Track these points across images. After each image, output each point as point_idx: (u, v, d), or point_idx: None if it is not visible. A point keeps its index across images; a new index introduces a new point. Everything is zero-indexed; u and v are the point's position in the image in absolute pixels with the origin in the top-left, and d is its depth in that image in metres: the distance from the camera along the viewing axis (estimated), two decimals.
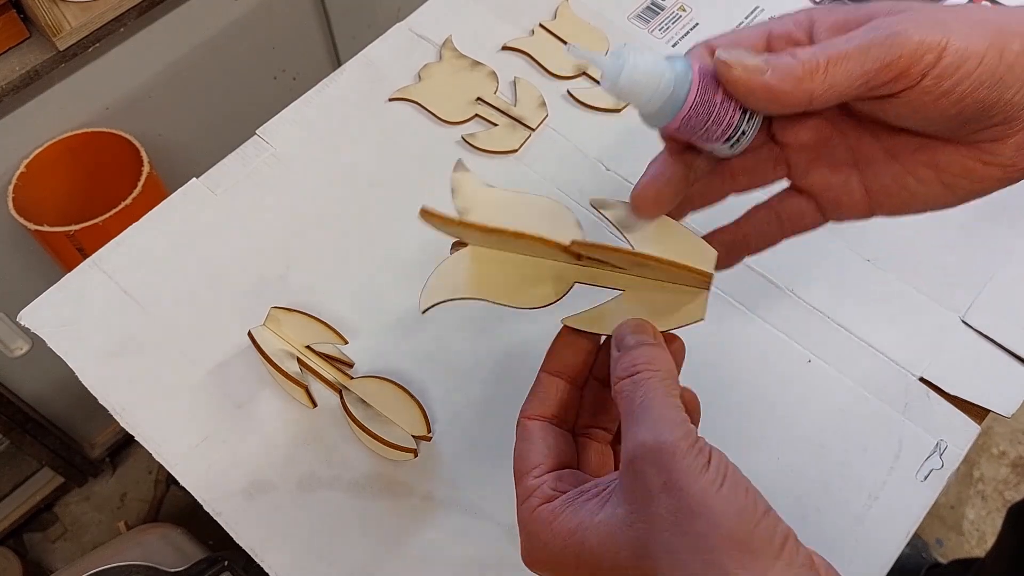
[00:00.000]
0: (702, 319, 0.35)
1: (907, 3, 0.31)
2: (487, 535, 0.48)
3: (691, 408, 0.35)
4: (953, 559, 1.19)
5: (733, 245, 0.38)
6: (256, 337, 0.50)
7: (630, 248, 0.35)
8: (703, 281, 0.34)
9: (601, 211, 0.36)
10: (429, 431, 0.49)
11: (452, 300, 0.35)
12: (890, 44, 0.29)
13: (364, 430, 0.48)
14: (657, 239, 0.35)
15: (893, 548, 0.48)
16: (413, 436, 0.48)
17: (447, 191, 0.61)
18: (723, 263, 0.36)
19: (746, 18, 0.69)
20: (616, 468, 0.36)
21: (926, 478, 0.50)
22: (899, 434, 0.51)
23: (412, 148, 0.61)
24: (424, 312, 0.34)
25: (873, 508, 0.49)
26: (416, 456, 0.48)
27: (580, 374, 0.36)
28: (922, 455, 0.50)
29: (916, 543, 1.23)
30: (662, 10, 0.69)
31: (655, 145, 0.58)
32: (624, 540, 0.28)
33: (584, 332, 0.35)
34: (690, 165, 0.34)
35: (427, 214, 0.35)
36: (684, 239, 0.35)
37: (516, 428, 0.35)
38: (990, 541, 1.23)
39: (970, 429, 0.51)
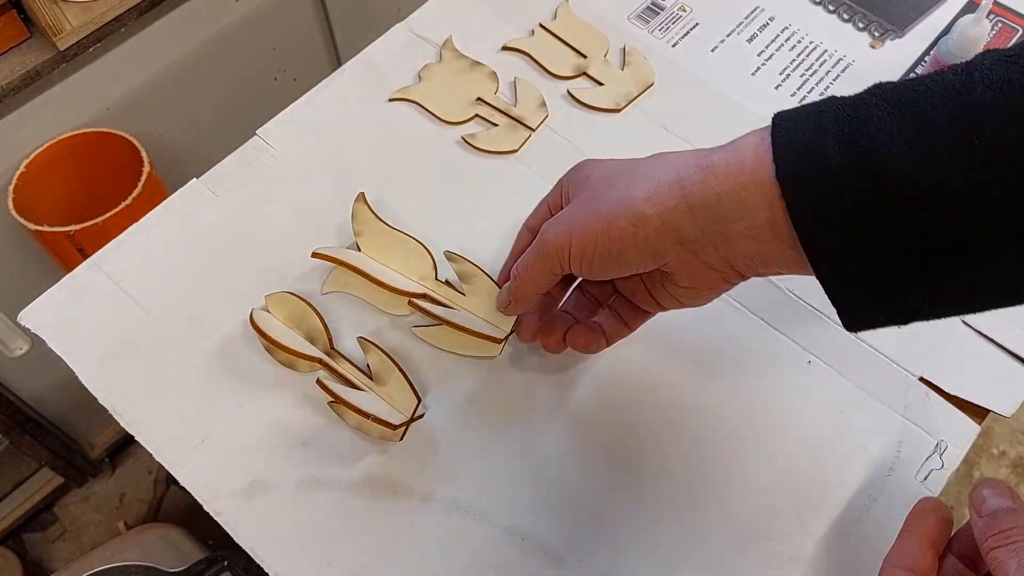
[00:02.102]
0: (495, 357, 0.53)
1: (588, 172, 0.45)
2: (487, 535, 0.48)
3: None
4: None
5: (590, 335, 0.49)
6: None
7: (447, 318, 0.51)
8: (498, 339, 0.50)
9: (450, 263, 0.53)
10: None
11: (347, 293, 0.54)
12: (540, 249, 0.43)
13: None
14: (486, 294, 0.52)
15: None
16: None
17: (446, 191, 0.61)
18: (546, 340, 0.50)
19: (746, 18, 0.69)
20: None
21: (926, 478, 0.50)
22: (899, 434, 0.51)
23: (412, 148, 0.61)
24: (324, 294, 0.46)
25: (873, 508, 0.49)
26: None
27: (944, 543, 0.39)
28: (922, 455, 0.50)
29: None
30: (662, 10, 0.69)
31: (655, 145, 0.59)
32: None
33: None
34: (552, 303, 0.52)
35: (317, 255, 0.54)
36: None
37: None
38: None
39: (970, 429, 0.51)
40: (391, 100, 0.63)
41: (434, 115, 0.62)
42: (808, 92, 0.65)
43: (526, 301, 0.47)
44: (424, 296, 0.52)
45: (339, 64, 0.69)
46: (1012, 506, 0.35)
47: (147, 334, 0.53)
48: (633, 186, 0.39)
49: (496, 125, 0.62)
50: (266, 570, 0.47)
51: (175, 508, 1.29)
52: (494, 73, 0.64)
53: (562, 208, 0.45)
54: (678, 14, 0.69)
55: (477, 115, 0.62)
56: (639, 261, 0.39)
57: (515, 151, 0.61)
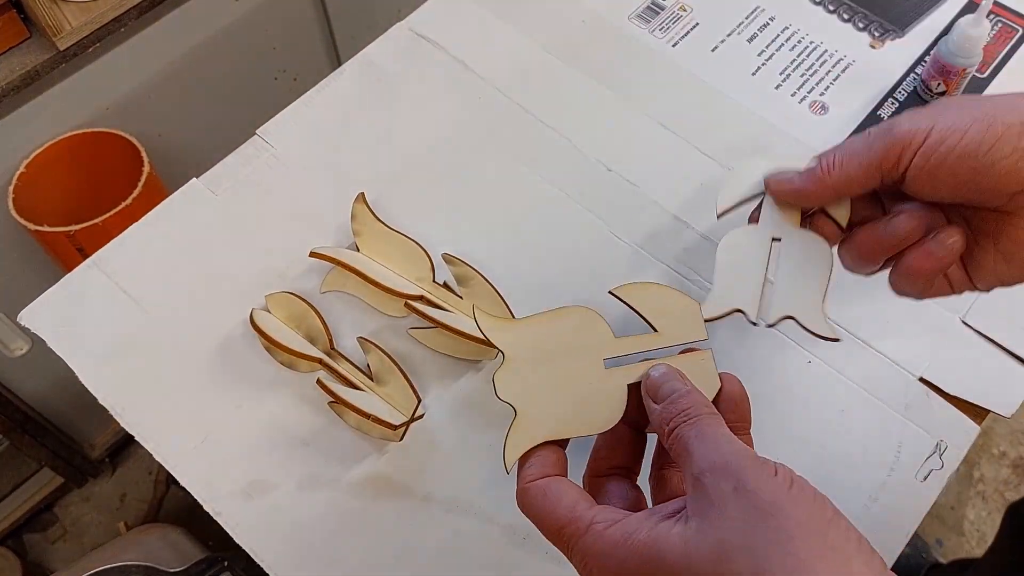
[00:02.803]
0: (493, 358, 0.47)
1: (928, 106, 0.37)
2: (487, 535, 0.48)
3: (742, 415, 0.37)
4: (953, 559, 1.19)
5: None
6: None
7: (443, 321, 0.48)
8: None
9: (448, 266, 0.51)
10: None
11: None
12: (886, 134, 0.36)
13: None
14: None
15: (893, 548, 0.47)
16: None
17: (445, 191, 0.61)
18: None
19: (746, 18, 0.69)
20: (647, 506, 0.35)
21: (926, 478, 0.50)
22: (899, 434, 0.51)
23: (411, 148, 0.61)
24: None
25: (873, 508, 0.49)
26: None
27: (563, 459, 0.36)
28: (922, 455, 0.50)
29: (916, 543, 1.23)
30: (662, 10, 0.69)
31: (654, 146, 0.59)
32: (702, 548, 0.28)
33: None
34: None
35: (315, 254, 0.52)
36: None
37: (524, 498, 0.34)
38: (990, 541, 1.23)
39: (970, 429, 0.51)
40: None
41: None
42: (808, 92, 0.65)
43: (816, 196, 0.39)
44: (421, 298, 0.52)
45: (339, 64, 0.69)
46: (686, 389, 0.34)
47: (147, 334, 0.53)
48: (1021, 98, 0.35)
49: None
50: (266, 570, 0.47)
51: (175, 508, 1.29)
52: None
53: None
54: (678, 14, 0.69)
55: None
56: (1010, 175, 0.34)
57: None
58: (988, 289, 0.40)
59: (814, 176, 0.38)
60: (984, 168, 0.34)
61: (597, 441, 0.36)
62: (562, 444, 0.36)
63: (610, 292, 0.36)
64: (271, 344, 0.51)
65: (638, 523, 0.30)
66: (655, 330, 0.36)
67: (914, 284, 0.39)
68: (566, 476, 0.34)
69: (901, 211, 0.39)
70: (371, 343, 0.51)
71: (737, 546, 0.27)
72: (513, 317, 0.44)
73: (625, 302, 0.36)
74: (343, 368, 0.51)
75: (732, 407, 0.36)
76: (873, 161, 0.37)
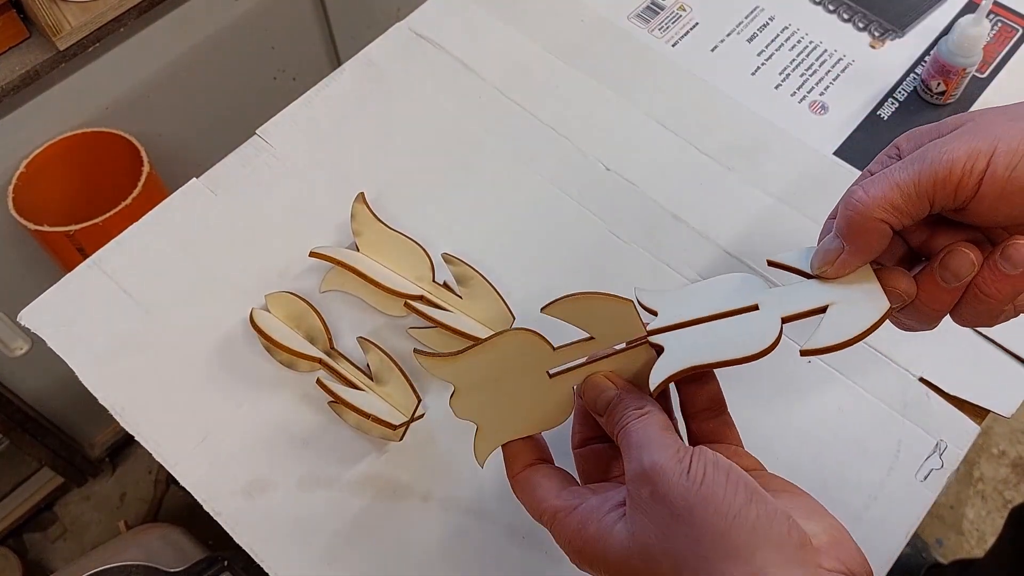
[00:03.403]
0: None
1: (976, 114, 0.34)
2: (487, 535, 0.48)
3: (715, 400, 0.37)
4: (953, 559, 1.19)
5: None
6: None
7: (442, 320, 0.49)
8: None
9: (448, 266, 0.50)
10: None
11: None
12: (939, 164, 0.32)
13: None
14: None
15: (893, 548, 0.48)
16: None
17: (445, 191, 0.61)
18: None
19: (746, 18, 0.69)
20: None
21: (926, 478, 0.50)
22: (899, 434, 0.51)
23: (411, 148, 0.61)
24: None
25: (873, 508, 0.49)
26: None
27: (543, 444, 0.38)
28: (922, 455, 0.50)
29: (916, 543, 1.23)
30: (662, 10, 0.69)
31: (654, 146, 0.59)
32: (635, 549, 0.31)
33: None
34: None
35: (315, 254, 0.53)
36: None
37: (513, 490, 0.37)
38: (990, 541, 1.23)
39: (970, 429, 0.51)
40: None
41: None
42: (808, 92, 0.65)
43: (867, 248, 0.34)
44: (421, 298, 0.52)
45: (339, 64, 0.69)
46: (613, 394, 0.35)
47: (147, 334, 0.53)
48: None
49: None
50: (266, 570, 0.47)
51: (175, 508, 1.29)
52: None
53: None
54: (678, 14, 0.69)
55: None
56: None
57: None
58: None
59: (853, 230, 0.34)
60: None
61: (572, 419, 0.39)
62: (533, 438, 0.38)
63: (541, 311, 0.37)
64: (271, 344, 0.51)
65: (589, 513, 0.33)
66: (591, 337, 0.37)
67: (991, 311, 0.35)
68: (545, 458, 0.37)
69: (950, 249, 0.35)
70: (371, 343, 0.51)
71: (660, 550, 0.30)
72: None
73: (560, 319, 0.37)
74: (343, 368, 0.51)
75: (704, 396, 0.37)
76: (919, 193, 0.33)
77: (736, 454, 0.36)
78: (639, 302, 0.36)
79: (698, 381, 0.37)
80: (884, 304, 0.35)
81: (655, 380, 0.34)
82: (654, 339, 0.36)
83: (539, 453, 0.37)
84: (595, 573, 0.33)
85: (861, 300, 0.35)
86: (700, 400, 0.37)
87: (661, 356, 0.35)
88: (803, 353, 0.35)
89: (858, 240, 0.34)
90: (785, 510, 0.29)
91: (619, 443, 0.34)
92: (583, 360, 0.37)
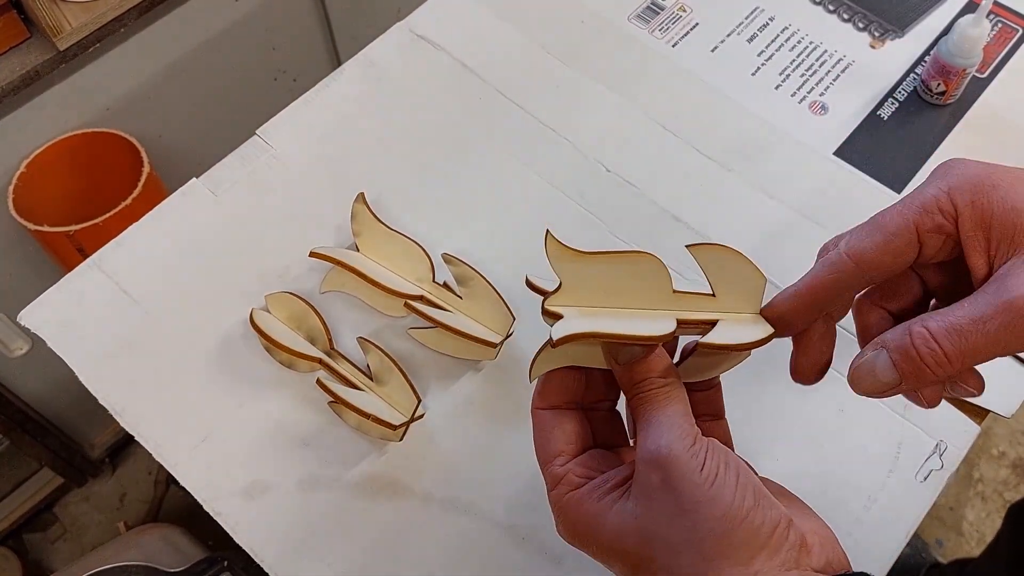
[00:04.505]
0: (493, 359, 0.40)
1: None
2: (487, 535, 0.48)
3: (716, 407, 0.38)
4: (953, 559, 1.19)
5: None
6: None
7: (442, 321, 0.48)
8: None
9: (448, 266, 0.50)
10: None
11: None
12: (1014, 327, 0.30)
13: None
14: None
15: (893, 548, 0.48)
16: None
17: (445, 191, 0.61)
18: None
19: (746, 18, 0.69)
20: None
21: (926, 479, 0.50)
22: (899, 435, 0.51)
23: (411, 148, 0.61)
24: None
25: (873, 509, 0.49)
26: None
27: (580, 386, 0.37)
28: (922, 456, 0.50)
29: (916, 543, 1.23)
30: (662, 10, 0.69)
31: (654, 146, 0.58)
32: (631, 530, 0.31)
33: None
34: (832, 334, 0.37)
35: (315, 254, 0.53)
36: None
37: (532, 417, 0.36)
38: (989, 541, 1.23)
39: (970, 430, 0.51)
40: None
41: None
42: (808, 92, 0.65)
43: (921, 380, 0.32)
44: (421, 298, 0.52)
45: (339, 64, 0.69)
46: (640, 353, 0.34)
47: (147, 334, 0.53)
48: None
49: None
50: (266, 570, 0.47)
51: (175, 508, 1.29)
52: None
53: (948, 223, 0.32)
54: (678, 14, 0.69)
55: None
56: None
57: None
58: None
59: (920, 378, 0.32)
60: None
61: (592, 377, 0.37)
62: (582, 375, 0.37)
63: (686, 247, 0.36)
64: (271, 344, 0.51)
65: (591, 491, 0.33)
66: (713, 294, 0.37)
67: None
68: (578, 401, 0.36)
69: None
70: (371, 343, 0.51)
71: (659, 537, 0.30)
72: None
73: (697, 261, 0.36)
74: (343, 368, 0.51)
75: (707, 402, 0.37)
76: (1003, 352, 0.32)
77: None
78: (528, 282, 0.36)
79: (704, 387, 0.37)
80: (769, 329, 0.36)
81: (557, 333, 0.33)
82: (554, 307, 0.35)
83: (575, 395, 0.36)
84: (581, 547, 0.34)
85: (749, 325, 0.36)
86: (702, 405, 0.37)
87: (564, 318, 0.34)
88: (701, 345, 0.35)
89: (913, 380, 0.32)
90: (788, 515, 0.30)
91: (635, 412, 0.34)
92: (705, 316, 0.35)
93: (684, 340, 0.38)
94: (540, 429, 0.36)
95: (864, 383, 0.32)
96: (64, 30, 0.77)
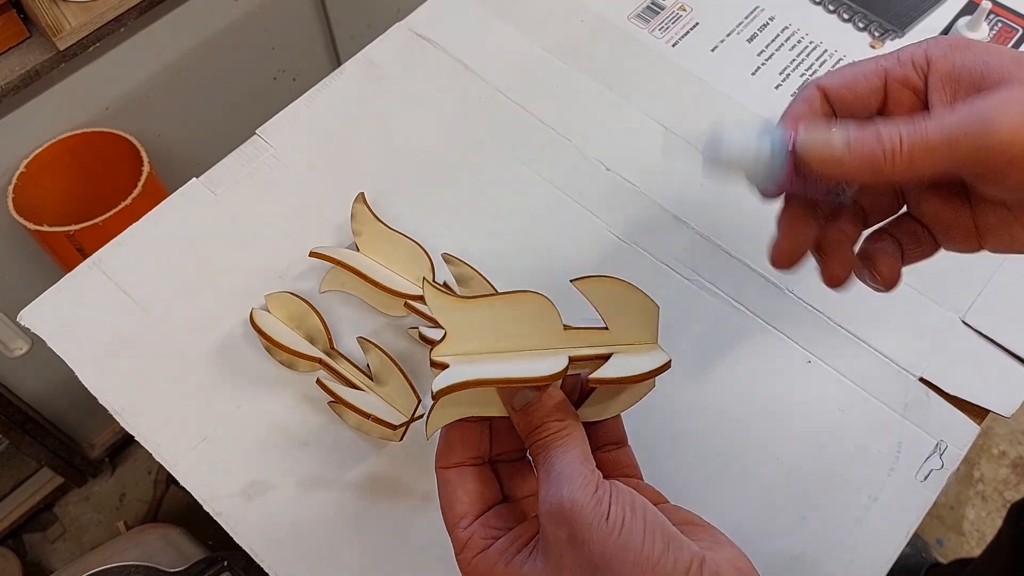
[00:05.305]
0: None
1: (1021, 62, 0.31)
2: None
3: (616, 435, 0.36)
4: (953, 559, 1.19)
5: (858, 266, 0.38)
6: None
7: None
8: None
9: (448, 266, 0.49)
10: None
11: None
12: (977, 138, 0.29)
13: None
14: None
15: (893, 548, 0.48)
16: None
17: (445, 191, 0.61)
18: (838, 282, 0.38)
19: (746, 18, 0.69)
20: None
21: (926, 478, 0.50)
22: (899, 435, 0.51)
23: (411, 148, 0.61)
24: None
25: (873, 508, 0.49)
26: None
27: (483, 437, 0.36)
28: (922, 455, 0.50)
29: (916, 543, 1.23)
30: (662, 10, 0.69)
31: (654, 146, 0.58)
32: None
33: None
34: (812, 217, 0.36)
35: (315, 254, 0.52)
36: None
37: (435, 477, 0.35)
38: (990, 541, 1.23)
39: (970, 429, 0.51)
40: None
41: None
42: None
43: (859, 180, 0.32)
44: (420, 298, 0.52)
45: (339, 64, 0.69)
46: (533, 396, 0.34)
47: (147, 334, 0.53)
48: None
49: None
50: (266, 570, 0.47)
51: (175, 508, 1.29)
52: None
53: (920, 93, 0.33)
54: (678, 14, 0.69)
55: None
56: None
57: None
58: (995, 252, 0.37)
59: (870, 159, 0.30)
60: None
61: (498, 426, 0.37)
62: (485, 426, 0.36)
63: (571, 281, 0.35)
64: (271, 344, 0.51)
65: (499, 554, 0.32)
66: (606, 327, 0.35)
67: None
68: (482, 456, 0.36)
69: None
70: (371, 343, 0.51)
71: None
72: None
73: (584, 295, 0.35)
74: (343, 368, 0.51)
75: (605, 432, 0.36)
76: (953, 162, 0.30)
77: (639, 488, 0.35)
78: (420, 335, 0.35)
79: (600, 424, 0.36)
80: (665, 357, 0.35)
81: (439, 384, 0.32)
82: (439, 357, 0.33)
83: (479, 449, 0.36)
84: None
85: (645, 354, 0.35)
86: (603, 435, 0.36)
87: (449, 367, 0.33)
88: (591, 382, 0.34)
89: (860, 161, 0.31)
90: (700, 552, 0.29)
91: (535, 460, 0.33)
92: (598, 351, 0.35)
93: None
94: (444, 490, 0.35)
95: (815, 144, 0.32)
96: (64, 30, 0.77)
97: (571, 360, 0.34)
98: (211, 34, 0.96)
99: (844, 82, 0.34)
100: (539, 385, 0.33)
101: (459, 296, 0.34)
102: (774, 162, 0.32)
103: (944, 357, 0.53)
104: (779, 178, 0.32)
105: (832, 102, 0.35)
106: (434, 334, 0.34)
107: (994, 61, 0.32)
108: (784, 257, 0.36)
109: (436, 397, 0.32)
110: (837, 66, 0.66)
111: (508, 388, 0.34)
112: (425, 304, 0.50)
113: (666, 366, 0.35)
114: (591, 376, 0.34)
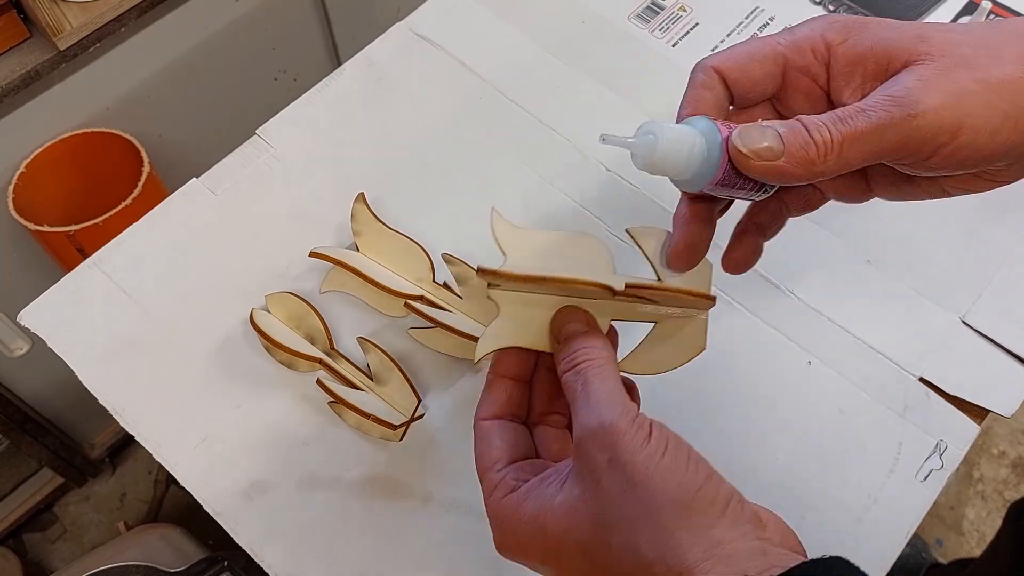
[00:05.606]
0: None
1: (928, 39, 0.31)
2: (486, 535, 0.48)
3: (629, 390, 0.37)
4: (953, 559, 1.19)
5: (747, 234, 0.38)
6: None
7: (442, 320, 0.46)
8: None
9: (448, 266, 0.48)
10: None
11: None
12: (905, 127, 0.30)
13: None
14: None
15: (893, 548, 0.48)
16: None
17: (445, 191, 0.61)
18: (740, 256, 0.38)
19: (746, 18, 0.69)
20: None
21: (926, 478, 0.50)
22: (899, 435, 0.51)
23: (411, 148, 0.61)
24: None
25: (873, 509, 0.49)
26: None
27: (526, 373, 0.37)
28: (922, 456, 0.50)
29: (916, 543, 1.23)
30: (662, 10, 0.69)
31: None
32: (582, 516, 0.30)
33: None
34: (713, 217, 0.36)
35: (315, 254, 0.52)
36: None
37: (474, 429, 0.36)
38: (990, 541, 1.23)
39: (970, 429, 0.51)
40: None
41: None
42: None
43: (798, 179, 0.31)
44: (421, 298, 0.52)
45: (339, 64, 0.69)
46: (583, 331, 0.34)
47: (147, 334, 0.53)
48: None
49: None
50: (266, 570, 0.47)
51: (175, 508, 1.29)
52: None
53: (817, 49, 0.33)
54: (678, 14, 0.69)
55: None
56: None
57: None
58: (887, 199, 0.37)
59: (806, 159, 0.31)
60: (1004, 160, 0.32)
61: (537, 388, 0.37)
62: (520, 378, 0.37)
63: (626, 230, 0.35)
64: (271, 344, 0.51)
65: (527, 492, 0.32)
66: (658, 278, 0.35)
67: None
68: (517, 414, 0.36)
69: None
70: (371, 343, 0.51)
71: (614, 517, 0.29)
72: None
73: (636, 243, 0.36)
74: (343, 368, 0.51)
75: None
76: (882, 152, 0.30)
77: None
78: (479, 268, 0.35)
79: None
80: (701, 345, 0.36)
81: (505, 268, 0.33)
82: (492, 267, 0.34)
83: (518, 408, 0.36)
84: (523, 556, 0.32)
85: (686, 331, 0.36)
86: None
87: (508, 258, 0.34)
88: (627, 286, 0.35)
89: (796, 158, 0.31)
90: (733, 489, 0.30)
91: (571, 389, 0.33)
92: (653, 282, 0.35)
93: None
94: (481, 439, 0.35)
95: (752, 138, 0.31)
96: (64, 30, 0.77)
97: (627, 286, 0.34)
98: (211, 34, 0.96)
99: (739, 65, 0.34)
100: (592, 288, 0.33)
101: (522, 228, 0.35)
102: (708, 162, 0.32)
103: (944, 357, 0.53)
104: (712, 178, 0.32)
105: (729, 85, 0.34)
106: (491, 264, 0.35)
107: (894, 37, 0.32)
108: (682, 256, 0.36)
109: (494, 278, 0.33)
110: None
111: (560, 317, 0.35)
112: (425, 304, 0.50)
113: (711, 299, 0.35)
114: (628, 282, 0.34)
